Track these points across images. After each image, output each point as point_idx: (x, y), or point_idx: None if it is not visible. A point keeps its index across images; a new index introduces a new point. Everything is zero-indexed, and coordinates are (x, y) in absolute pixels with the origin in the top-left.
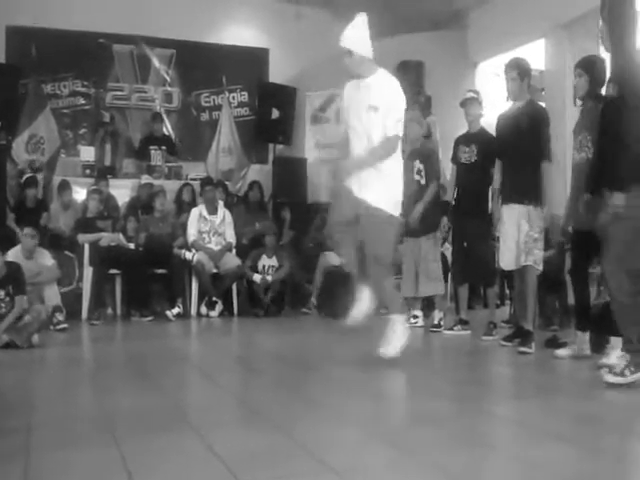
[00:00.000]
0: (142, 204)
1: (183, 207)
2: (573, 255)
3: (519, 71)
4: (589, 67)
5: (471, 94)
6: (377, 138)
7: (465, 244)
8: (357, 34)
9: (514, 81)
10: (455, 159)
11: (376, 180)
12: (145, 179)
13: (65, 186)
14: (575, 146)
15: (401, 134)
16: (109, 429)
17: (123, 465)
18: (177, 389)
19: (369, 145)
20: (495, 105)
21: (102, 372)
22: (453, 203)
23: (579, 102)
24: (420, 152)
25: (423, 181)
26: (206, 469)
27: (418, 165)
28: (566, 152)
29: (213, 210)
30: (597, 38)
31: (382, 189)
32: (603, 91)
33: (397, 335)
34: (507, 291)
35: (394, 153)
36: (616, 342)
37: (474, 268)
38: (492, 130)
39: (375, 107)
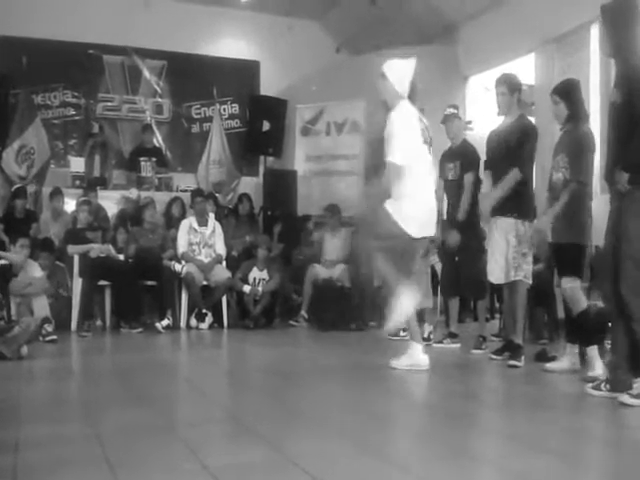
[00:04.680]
0: (130, 216)
1: (172, 221)
2: (558, 268)
3: (508, 86)
4: (565, 93)
5: (451, 110)
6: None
7: (456, 258)
8: (400, 68)
9: (504, 96)
10: (442, 175)
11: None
12: (129, 193)
13: (57, 193)
14: (553, 166)
15: (401, 163)
16: (99, 445)
17: None
18: (167, 403)
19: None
20: (485, 119)
21: (91, 385)
22: (444, 218)
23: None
24: None
25: None
26: None
27: None
28: None
29: (203, 222)
30: (595, 50)
31: (400, 211)
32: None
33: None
34: (497, 305)
35: (395, 178)
36: (592, 352)
37: (464, 282)
38: (478, 144)
39: (388, 146)
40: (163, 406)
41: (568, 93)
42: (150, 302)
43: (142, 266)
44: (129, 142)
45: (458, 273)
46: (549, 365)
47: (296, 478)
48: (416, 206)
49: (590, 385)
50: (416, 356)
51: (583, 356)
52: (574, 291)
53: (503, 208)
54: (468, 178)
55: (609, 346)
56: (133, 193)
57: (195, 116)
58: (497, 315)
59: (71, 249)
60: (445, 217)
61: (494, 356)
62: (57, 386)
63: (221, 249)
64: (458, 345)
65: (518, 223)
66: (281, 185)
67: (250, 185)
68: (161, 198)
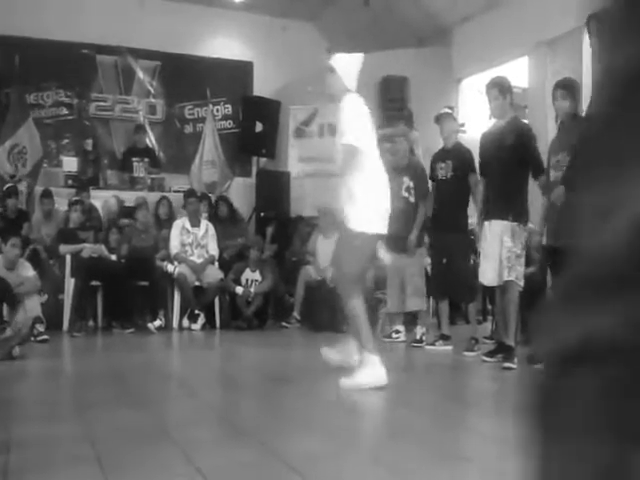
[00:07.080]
0: (120, 218)
1: (160, 222)
2: (552, 271)
3: (500, 89)
4: (571, 89)
5: (446, 109)
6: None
7: (444, 260)
8: (348, 62)
9: (497, 100)
10: (432, 176)
11: (348, 199)
12: (113, 195)
13: (46, 195)
14: (552, 165)
15: (357, 144)
16: (90, 447)
17: None
18: (159, 404)
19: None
20: (478, 122)
21: (83, 386)
22: (432, 219)
23: (558, 122)
24: (409, 168)
25: (412, 199)
26: None
27: (408, 182)
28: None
29: (196, 222)
30: (587, 54)
31: (353, 207)
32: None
33: (364, 373)
34: (489, 307)
35: (351, 161)
36: None
37: (453, 284)
38: (471, 146)
39: (342, 131)
40: (155, 407)
41: (577, 91)
42: (142, 302)
43: (134, 266)
44: (122, 142)
45: (447, 275)
46: (540, 365)
47: (288, 479)
48: (369, 202)
49: None
50: (376, 370)
51: None
52: None
53: (498, 211)
54: (473, 179)
55: None
56: (112, 202)
57: (188, 117)
58: (489, 317)
59: (63, 249)
60: (433, 218)
61: (486, 358)
62: (49, 386)
63: (214, 250)
64: (450, 347)
65: (514, 225)
66: (274, 186)
67: (243, 186)
68: (154, 199)
